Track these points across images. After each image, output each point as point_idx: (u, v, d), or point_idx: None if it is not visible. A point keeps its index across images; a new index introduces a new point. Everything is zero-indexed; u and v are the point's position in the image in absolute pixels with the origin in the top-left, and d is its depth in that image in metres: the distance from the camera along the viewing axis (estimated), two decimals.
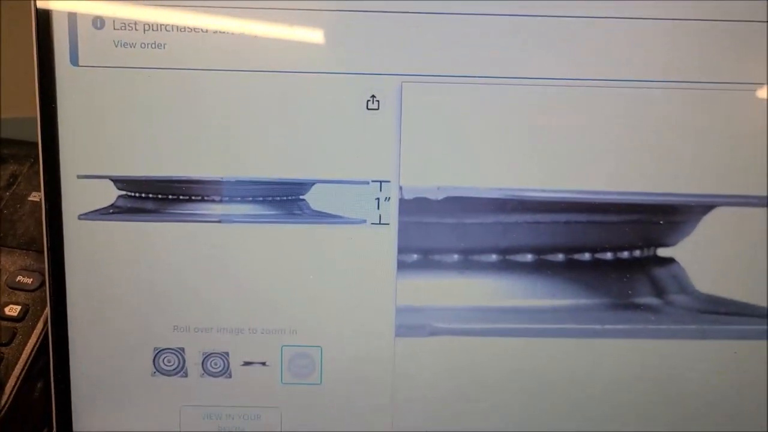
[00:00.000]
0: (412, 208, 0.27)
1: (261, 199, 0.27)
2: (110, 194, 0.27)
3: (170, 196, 0.27)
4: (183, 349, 0.28)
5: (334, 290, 0.27)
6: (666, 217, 0.27)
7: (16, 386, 0.28)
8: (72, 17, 0.26)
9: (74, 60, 0.26)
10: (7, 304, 0.29)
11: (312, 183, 0.27)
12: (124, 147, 0.26)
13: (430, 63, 0.26)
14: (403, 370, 0.28)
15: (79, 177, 0.27)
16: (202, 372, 0.28)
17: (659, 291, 0.28)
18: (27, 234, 0.31)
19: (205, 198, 0.27)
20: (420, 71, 0.26)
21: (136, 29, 0.26)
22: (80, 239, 0.27)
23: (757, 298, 0.28)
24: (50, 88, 0.26)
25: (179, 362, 0.28)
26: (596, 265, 0.28)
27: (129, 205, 0.27)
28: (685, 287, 0.28)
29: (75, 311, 0.27)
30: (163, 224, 0.27)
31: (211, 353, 0.28)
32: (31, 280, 0.30)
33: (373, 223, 0.27)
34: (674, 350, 0.28)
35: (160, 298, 0.27)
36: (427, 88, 0.26)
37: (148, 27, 0.26)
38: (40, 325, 0.29)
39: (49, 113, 0.26)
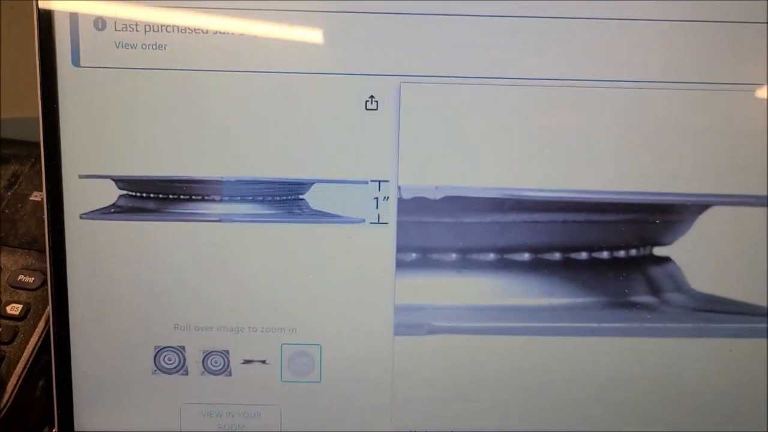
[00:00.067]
0: (411, 207, 0.27)
1: (261, 198, 0.27)
2: (111, 194, 0.27)
3: (171, 196, 0.27)
4: (183, 348, 0.28)
5: (333, 289, 0.28)
6: (662, 217, 0.28)
7: (18, 385, 0.28)
8: (74, 18, 0.26)
9: (76, 61, 0.26)
10: (8, 303, 0.29)
11: (311, 183, 0.27)
12: (125, 147, 0.27)
13: (429, 64, 0.26)
14: (401, 367, 0.28)
15: (80, 177, 0.27)
16: (203, 370, 0.28)
17: (655, 289, 0.28)
18: (28, 233, 0.31)
19: (206, 198, 0.27)
20: (418, 72, 0.26)
21: (137, 30, 0.26)
22: (82, 238, 0.27)
23: (752, 297, 0.28)
24: (52, 89, 0.26)
25: (180, 360, 0.28)
26: (593, 264, 0.28)
27: (130, 205, 0.27)
28: (680, 286, 0.28)
29: (76, 310, 0.27)
30: (164, 224, 0.27)
31: (212, 351, 0.28)
32: (33, 279, 0.30)
33: (371, 223, 0.27)
34: (671, 348, 0.28)
35: (161, 297, 0.28)
36: (425, 88, 0.26)
37: (149, 28, 0.26)
38: (41, 324, 0.29)
39: (51, 113, 0.26)
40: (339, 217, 0.27)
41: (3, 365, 0.28)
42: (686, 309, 0.28)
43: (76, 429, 0.28)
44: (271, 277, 0.27)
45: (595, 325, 0.28)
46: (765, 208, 0.27)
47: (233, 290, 0.28)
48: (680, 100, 0.27)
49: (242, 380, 0.28)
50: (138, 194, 0.27)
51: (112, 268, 0.27)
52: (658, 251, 0.28)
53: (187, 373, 0.28)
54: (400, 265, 0.28)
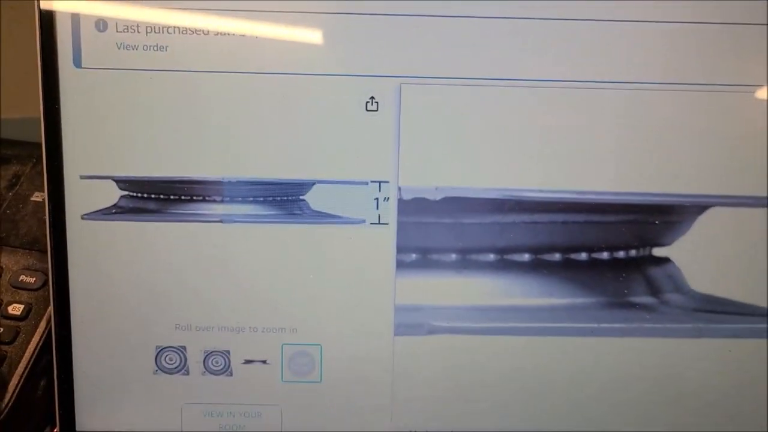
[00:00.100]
0: (411, 208, 0.27)
1: (261, 199, 0.27)
2: (113, 194, 0.27)
3: (172, 197, 0.27)
4: (184, 348, 0.28)
5: (333, 289, 0.28)
6: (662, 217, 0.28)
7: (20, 384, 0.28)
8: (75, 19, 0.26)
9: (77, 62, 0.26)
10: (10, 303, 0.29)
11: (312, 183, 0.27)
12: (126, 148, 0.27)
13: (429, 65, 0.26)
14: (402, 367, 0.28)
15: (82, 177, 0.27)
16: (204, 370, 0.28)
17: (655, 290, 0.28)
18: (30, 234, 0.31)
19: (207, 198, 0.27)
20: (419, 73, 0.26)
21: (138, 31, 0.26)
22: (83, 239, 0.27)
23: (752, 297, 0.28)
24: (53, 90, 0.26)
25: (181, 360, 0.28)
26: (593, 264, 0.28)
27: (131, 206, 0.27)
28: (680, 286, 0.28)
29: (78, 310, 0.28)
30: (165, 224, 0.27)
31: (213, 351, 0.28)
32: (34, 279, 0.30)
33: (372, 223, 0.27)
34: (671, 349, 0.28)
35: (162, 297, 0.28)
36: (425, 89, 0.26)
37: (150, 29, 0.26)
38: (42, 324, 0.29)
39: (53, 114, 0.26)
40: (339, 217, 0.27)
41: (5, 365, 0.28)
42: (686, 309, 0.28)
43: (77, 429, 0.28)
44: (271, 278, 0.28)
45: (595, 325, 0.28)
46: (765, 208, 0.27)
47: (234, 290, 0.28)
48: (680, 101, 0.27)
49: (243, 380, 0.28)
50: (139, 195, 0.27)
51: (114, 268, 0.27)
52: (657, 252, 0.28)
53: (188, 373, 0.28)
54: (401, 265, 0.28)
